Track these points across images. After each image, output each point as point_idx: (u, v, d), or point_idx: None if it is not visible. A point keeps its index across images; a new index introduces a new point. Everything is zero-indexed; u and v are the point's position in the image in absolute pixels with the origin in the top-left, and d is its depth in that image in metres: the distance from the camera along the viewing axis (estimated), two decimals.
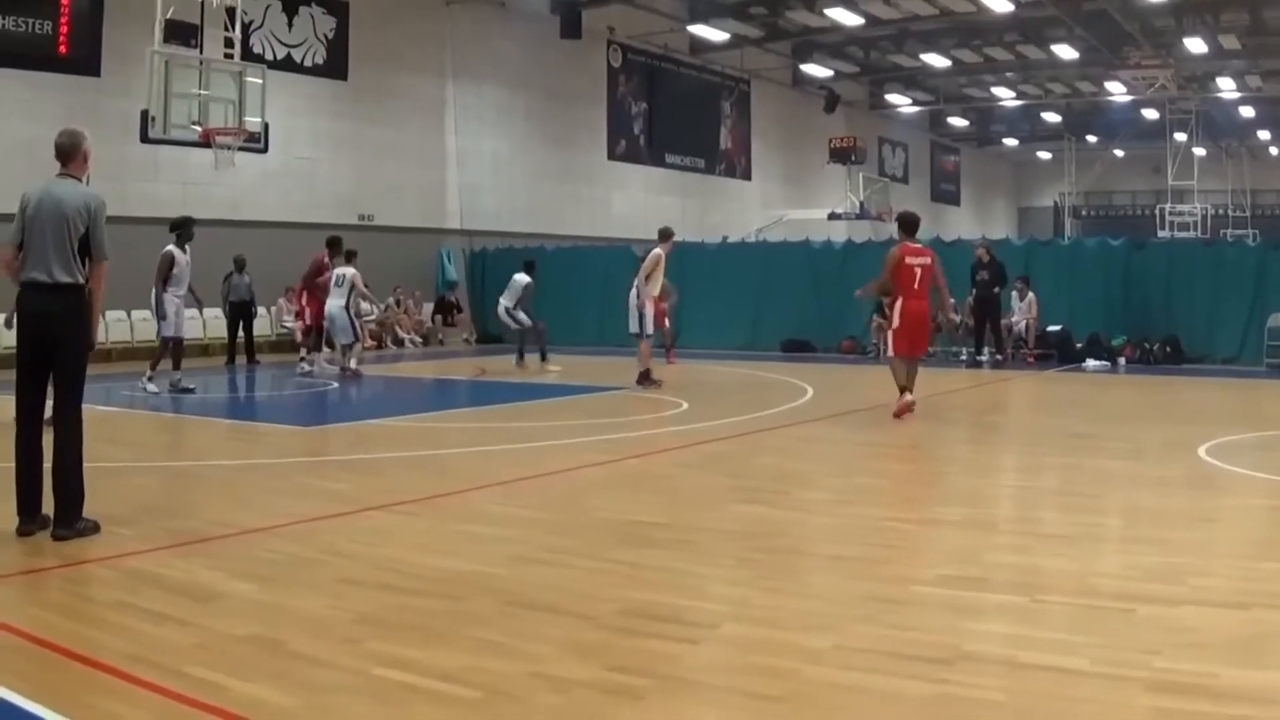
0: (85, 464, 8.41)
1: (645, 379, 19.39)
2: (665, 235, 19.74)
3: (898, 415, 15.26)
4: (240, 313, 25.18)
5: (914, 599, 6.69)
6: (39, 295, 8.27)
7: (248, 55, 25.00)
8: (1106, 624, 6.14)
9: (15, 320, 8.46)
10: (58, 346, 8.33)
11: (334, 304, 21.65)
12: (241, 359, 25.09)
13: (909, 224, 16.33)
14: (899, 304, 15.58)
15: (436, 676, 5.39)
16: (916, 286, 15.59)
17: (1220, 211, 57.07)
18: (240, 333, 25.25)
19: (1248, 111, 55.67)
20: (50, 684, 5.27)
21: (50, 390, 8.51)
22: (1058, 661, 5.49)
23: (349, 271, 21.74)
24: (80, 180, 8.69)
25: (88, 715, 4.88)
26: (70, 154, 8.68)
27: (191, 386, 18.71)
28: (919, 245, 16.17)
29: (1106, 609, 6.41)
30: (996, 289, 24.94)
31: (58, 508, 8.21)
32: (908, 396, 15.38)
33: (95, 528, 8.31)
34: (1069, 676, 5.31)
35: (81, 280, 8.34)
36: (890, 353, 16.00)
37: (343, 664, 5.58)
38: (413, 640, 5.94)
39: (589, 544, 8.19)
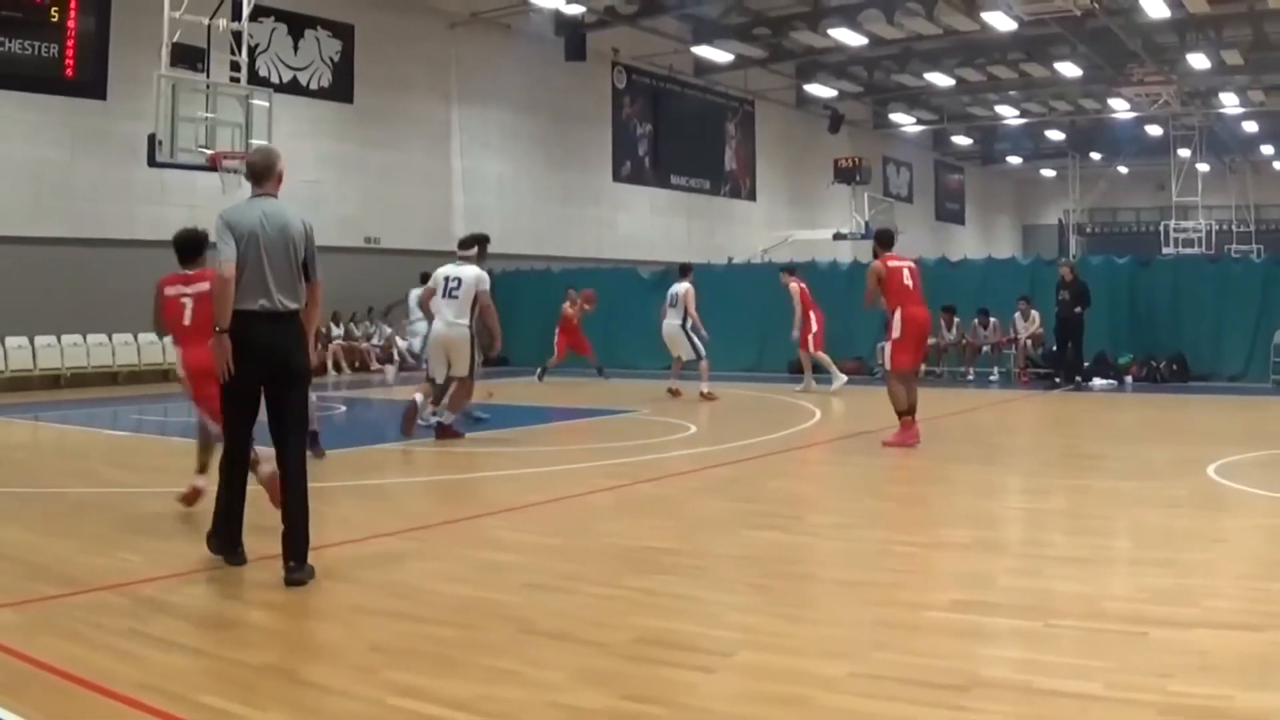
0: (98, 489, 8.41)
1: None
2: None
3: (898, 444, 14.68)
4: None
5: (927, 624, 6.69)
6: (272, 324, 7.94)
7: (254, 79, 25.01)
8: (1119, 647, 6.13)
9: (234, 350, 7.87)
10: (295, 377, 8.13)
11: (670, 323, 22.23)
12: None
13: (888, 238, 15.83)
14: (899, 312, 14.91)
15: (451, 705, 5.38)
16: (913, 288, 15.15)
17: (1224, 227, 57.13)
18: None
19: (1251, 126, 55.99)
20: (64, 713, 5.29)
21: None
22: (1072, 686, 5.49)
23: (682, 288, 22.22)
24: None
25: None
26: (265, 174, 8.22)
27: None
28: (896, 254, 15.54)
29: (1119, 632, 6.40)
30: (1078, 309, 23.87)
31: (299, 547, 7.85)
32: (916, 425, 14.84)
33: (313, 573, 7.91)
34: (1083, 701, 5.31)
35: (302, 305, 8.09)
36: (889, 367, 15.10)
37: (357, 693, 5.58)
38: (427, 668, 5.94)
39: (601, 570, 8.18)
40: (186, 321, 10.57)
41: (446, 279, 15.84)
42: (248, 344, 7.83)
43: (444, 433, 15.76)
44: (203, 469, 10.24)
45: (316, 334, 19.94)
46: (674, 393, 21.93)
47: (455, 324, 15.61)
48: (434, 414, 16.06)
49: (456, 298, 15.66)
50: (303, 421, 8.33)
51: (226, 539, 8.21)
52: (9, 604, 7.16)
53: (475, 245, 16.19)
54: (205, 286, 10.08)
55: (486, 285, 15.70)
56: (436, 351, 15.96)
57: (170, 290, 10.63)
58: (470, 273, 15.72)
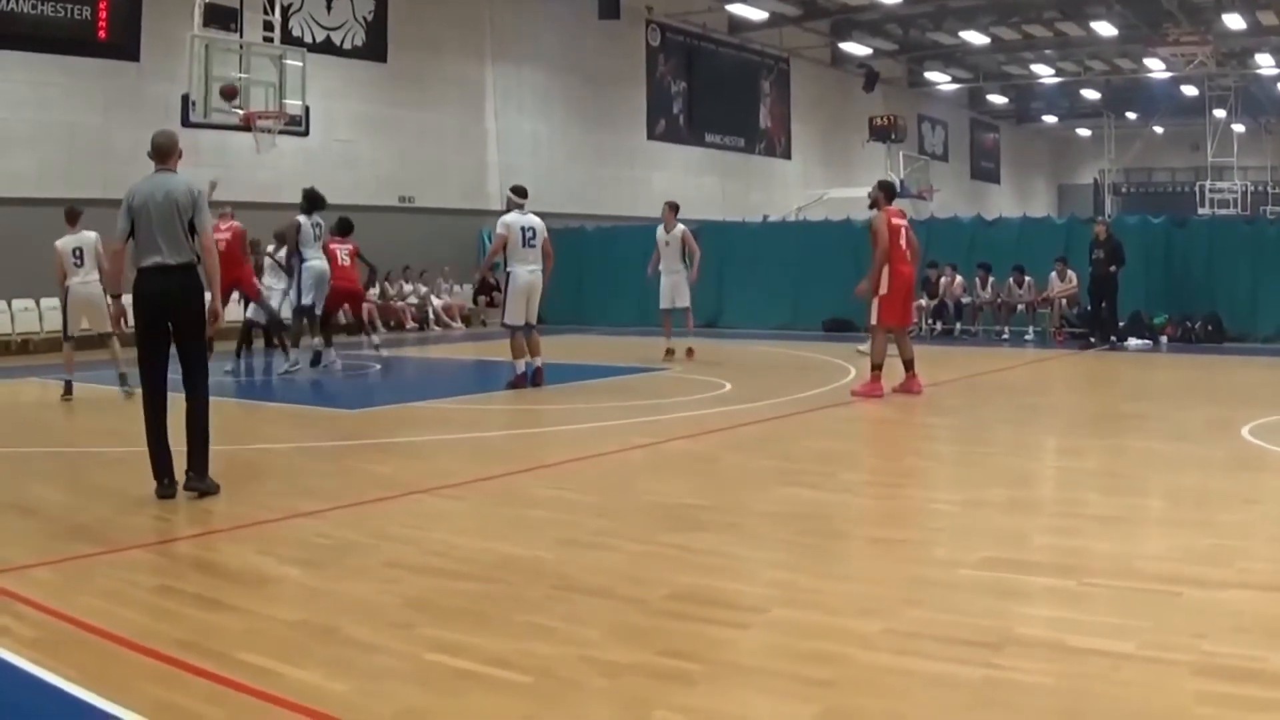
0: (126, 448, 8.67)
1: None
2: None
3: (864, 395, 15.35)
4: None
5: (961, 582, 6.69)
6: (163, 276, 9.16)
7: (287, 38, 25.05)
8: (1153, 607, 6.12)
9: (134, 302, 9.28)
10: (189, 320, 9.30)
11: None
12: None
13: (891, 189, 16.45)
14: (887, 268, 15.44)
15: (487, 661, 5.41)
16: (904, 246, 15.74)
17: (1260, 188, 56.65)
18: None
19: None
20: (102, 671, 5.31)
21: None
22: (1105, 645, 5.48)
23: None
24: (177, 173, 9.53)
25: (141, 703, 4.90)
26: (169, 152, 9.53)
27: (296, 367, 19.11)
28: (898, 209, 16.34)
29: (1153, 591, 6.39)
30: (1113, 268, 23.74)
31: (194, 462, 9.21)
32: (882, 381, 15.46)
33: (217, 488, 9.25)
34: (1116, 660, 5.30)
35: (194, 259, 9.26)
36: (873, 321, 15.64)
37: (394, 649, 5.62)
38: (463, 624, 5.98)
39: (637, 527, 8.22)
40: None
41: (524, 229, 16.36)
42: (146, 294, 9.22)
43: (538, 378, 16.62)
44: None
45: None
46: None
47: (540, 270, 16.42)
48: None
49: (535, 246, 16.38)
50: (203, 360, 9.51)
51: (157, 471, 9.18)
52: (45, 563, 7.22)
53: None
54: None
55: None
56: (529, 297, 16.56)
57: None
58: (540, 220, 16.52)
